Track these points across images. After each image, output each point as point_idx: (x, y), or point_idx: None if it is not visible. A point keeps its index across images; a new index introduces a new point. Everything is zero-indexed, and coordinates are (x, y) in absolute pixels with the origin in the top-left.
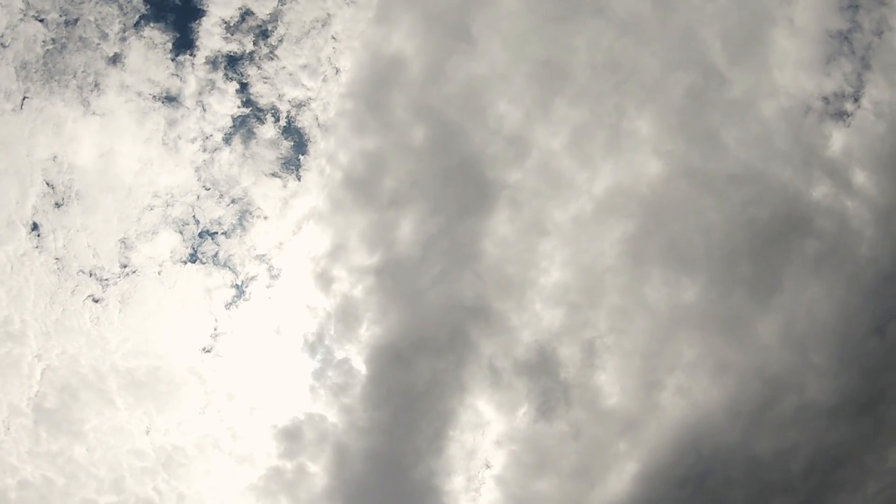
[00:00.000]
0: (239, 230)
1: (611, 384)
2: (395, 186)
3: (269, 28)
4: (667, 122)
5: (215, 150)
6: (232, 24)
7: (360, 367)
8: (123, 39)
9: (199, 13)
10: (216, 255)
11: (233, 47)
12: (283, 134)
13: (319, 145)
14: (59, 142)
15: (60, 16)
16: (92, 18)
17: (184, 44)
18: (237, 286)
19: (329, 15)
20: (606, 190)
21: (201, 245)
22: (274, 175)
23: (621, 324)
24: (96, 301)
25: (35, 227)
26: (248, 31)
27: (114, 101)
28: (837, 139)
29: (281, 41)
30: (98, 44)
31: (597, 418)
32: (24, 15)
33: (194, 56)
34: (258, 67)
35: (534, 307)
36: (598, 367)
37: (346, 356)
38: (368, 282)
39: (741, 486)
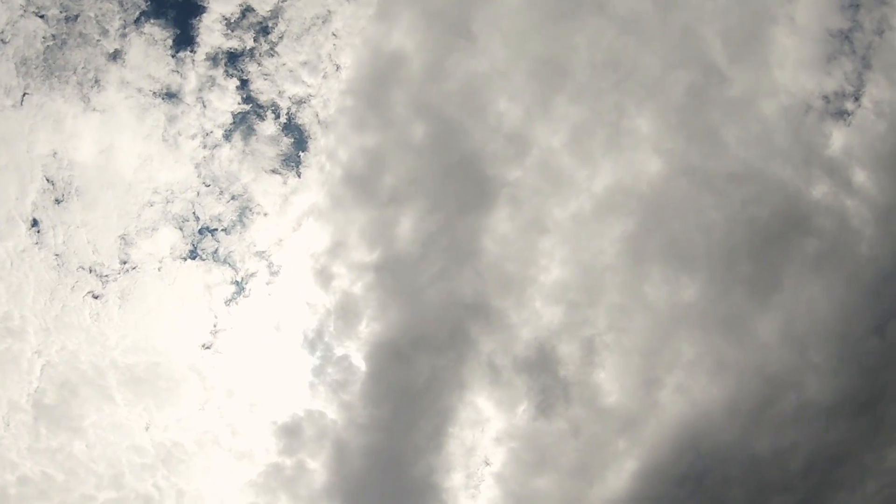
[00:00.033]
0: (239, 227)
1: (610, 382)
2: (395, 183)
3: (270, 25)
4: (667, 121)
5: (215, 146)
6: (232, 21)
7: (360, 363)
8: (124, 36)
9: (199, 9)
10: (216, 251)
11: (233, 44)
12: (283, 130)
13: (319, 142)
14: (59, 138)
15: (61, 12)
16: (92, 15)
17: (184, 40)
18: (237, 283)
19: (329, 12)
20: (606, 188)
21: (201, 241)
22: (274, 172)
23: (621, 322)
24: (96, 297)
25: (35, 223)
26: (248, 28)
27: (114, 97)
28: (838, 138)
29: (281, 38)
30: (98, 40)
31: (596, 416)
32: (25, 11)
33: (195, 52)
34: (258, 64)
35: (533, 305)
36: (598, 364)
37: (345, 353)
38: (368, 279)
39: (740, 484)
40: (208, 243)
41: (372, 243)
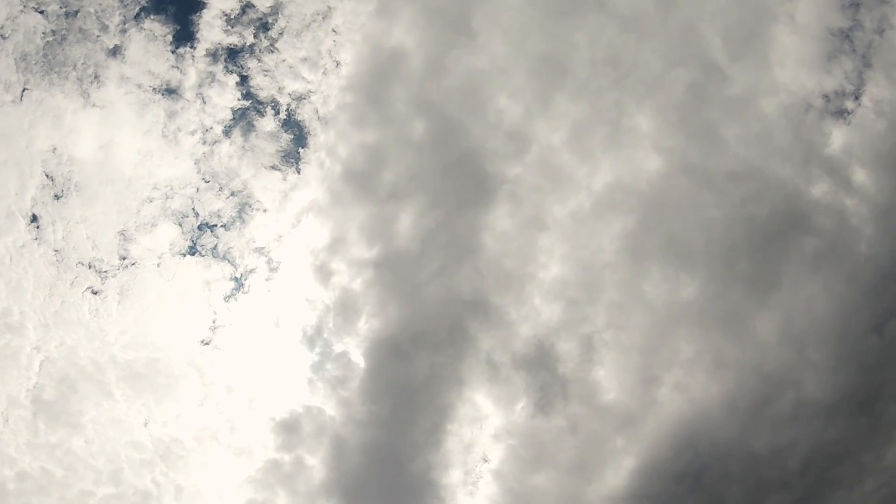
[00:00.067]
0: (238, 223)
1: (609, 379)
2: (395, 180)
3: (270, 21)
4: (667, 119)
5: (215, 142)
6: (232, 17)
7: (359, 360)
8: (124, 31)
9: (199, 5)
10: (215, 247)
11: (233, 40)
12: (282, 127)
13: (319, 138)
14: (58, 133)
15: (60, 7)
16: (92, 10)
17: (184, 36)
18: (236, 279)
19: (329, 8)
20: (606, 185)
21: (200, 237)
22: (273, 168)
23: (620, 319)
24: (95, 293)
25: (34, 218)
26: (248, 24)
27: (114, 92)
28: (837, 137)
29: (281, 34)
30: (98, 36)
31: (594, 413)
32: (25, 6)
33: (194, 48)
34: (258, 60)
35: (533, 302)
36: (597, 362)
37: (344, 349)
38: (367, 275)
39: (738, 482)
40: (208, 239)
41: (371, 240)
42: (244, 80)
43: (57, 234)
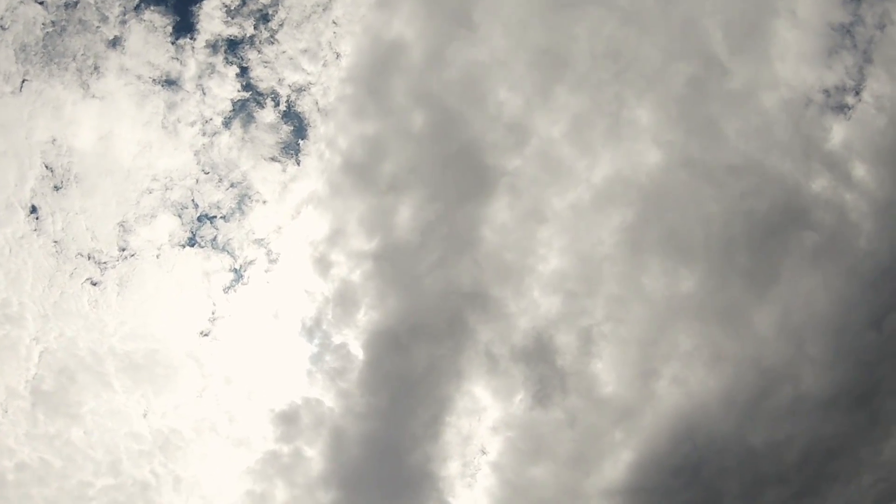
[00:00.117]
0: (238, 214)
1: (607, 372)
2: (395, 172)
3: (270, 12)
4: (667, 112)
5: (215, 133)
6: (232, 8)
7: (358, 352)
8: (123, 22)
9: None
10: (215, 238)
11: (233, 31)
12: (282, 118)
13: (319, 130)
14: (58, 125)
15: None
16: (92, 1)
17: (184, 27)
18: (235, 270)
19: None
20: (605, 178)
21: (200, 229)
22: (273, 159)
23: (618, 312)
24: (94, 284)
25: (34, 209)
26: (248, 15)
27: (113, 84)
28: (838, 132)
29: (281, 25)
30: (98, 27)
31: (593, 406)
32: None
33: (194, 40)
34: (258, 51)
35: (531, 294)
36: (595, 355)
37: (343, 341)
38: (367, 267)
39: (735, 476)
40: (207, 231)
41: (371, 231)
42: (244, 71)
43: (56, 225)
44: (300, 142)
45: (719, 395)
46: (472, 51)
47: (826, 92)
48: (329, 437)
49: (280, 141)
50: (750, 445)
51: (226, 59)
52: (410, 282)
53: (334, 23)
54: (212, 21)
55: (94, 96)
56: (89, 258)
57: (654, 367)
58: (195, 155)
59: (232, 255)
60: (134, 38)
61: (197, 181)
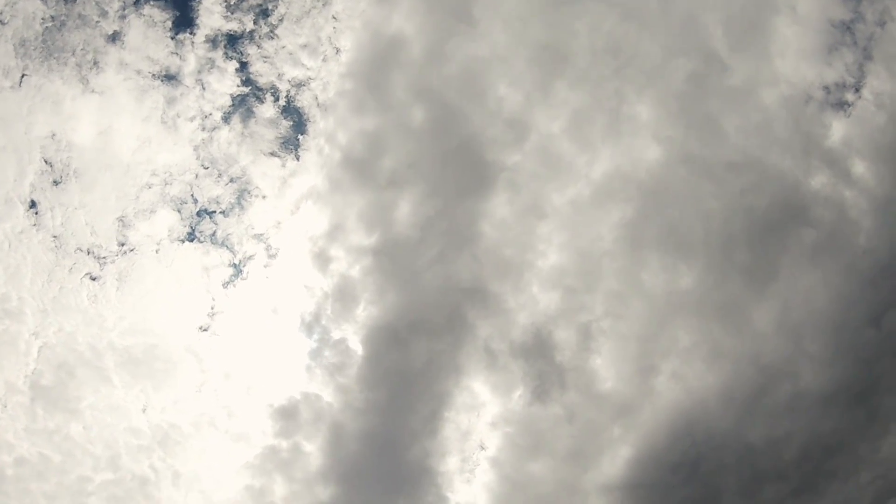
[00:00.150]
0: (237, 209)
1: (606, 368)
2: (394, 167)
3: (270, 7)
4: (667, 108)
5: (214, 128)
6: (232, 3)
7: (357, 347)
8: (123, 17)
9: None
10: (214, 233)
11: (233, 26)
12: (282, 113)
13: (318, 125)
14: (57, 119)
15: None
16: None
17: (183, 22)
18: (235, 265)
19: None
20: (605, 174)
21: (199, 224)
22: (273, 154)
23: (617, 308)
24: (94, 279)
25: (33, 204)
26: (248, 10)
27: (113, 79)
28: (837, 129)
29: (281, 20)
30: (97, 21)
31: (591, 402)
32: None
33: (194, 34)
34: (258, 46)
35: (531, 290)
36: (594, 350)
37: (342, 336)
38: (366, 262)
39: (734, 472)
40: (206, 226)
41: (370, 227)
42: (244, 66)
43: (56, 219)
44: (300, 137)
45: (718, 392)
46: (472, 46)
47: (826, 89)
48: (328, 433)
49: (279, 136)
50: (748, 442)
51: (225, 54)
52: (410, 277)
53: (334, 18)
54: (211, 16)
55: (93, 91)
56: (88, 253)
57: (653, 364)
58: (194, 150)
59: (231, 250)
60: (133, 33)
61: (196, 176)
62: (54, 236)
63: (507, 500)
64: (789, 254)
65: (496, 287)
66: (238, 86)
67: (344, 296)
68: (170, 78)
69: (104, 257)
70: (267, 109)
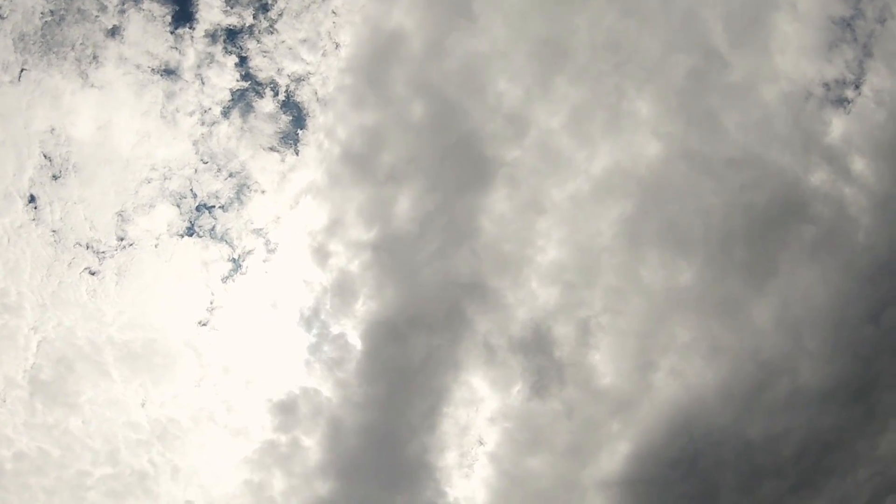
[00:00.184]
0: (236, 204)
1: (605, 364)
2: (394, 162)
3: (269, 1)
4: (666, 104)
5: (213, 123)
6: None
7: (356, 342)
8: (122, 12)
9: None
10: (213, 228)
11: (232, 20)
12: (281, 108)
13: (318, 120)
14: (56, 114)
15: None
16: None
17: (183, 16)
18: (234, 260)
19: None
20: (605, 170)
21: (198, 218)
22: (272, 149)
23: (616, 304)
24: (93, 273)
25: (32, 199)
26: (247, 5)
27: (112, 73)
28: (837, 126)
29: (281, 15)
30: (97, 16)
31: (590, 398)
32: None
33: (193, 29)
34: (257, 41)
35: (530, 285)
36: (593, 346)
37: (341, 331)
38: (365, 257)
39: (732, 468)
40: (205, 220)
41: (369, 222)
42: (243, 61)
43: (55, 214)
44: (299, 132)
45: (717, 388)
46: (472, 41)
47: (826, 86)
48: (327, 427)
49: (279, 131)
50: (747, 438)
51: (225, 48)
52: (409, 272)
53: (334, 13)
54: (211, 10)
55: (92, 86)
56: (88, 248)
57: (651, 359)
58: (194, 145)
59: (230, 244)
60: (133, 28)
61: (196, 171)
62: (53, 231)
63: (506, 496)
64: (788, 250)
65: (495, 282)
66: (237, 80)
67: (343, 290)
68: (169, 72)
69: (103, 252)
70: (266, 104)
